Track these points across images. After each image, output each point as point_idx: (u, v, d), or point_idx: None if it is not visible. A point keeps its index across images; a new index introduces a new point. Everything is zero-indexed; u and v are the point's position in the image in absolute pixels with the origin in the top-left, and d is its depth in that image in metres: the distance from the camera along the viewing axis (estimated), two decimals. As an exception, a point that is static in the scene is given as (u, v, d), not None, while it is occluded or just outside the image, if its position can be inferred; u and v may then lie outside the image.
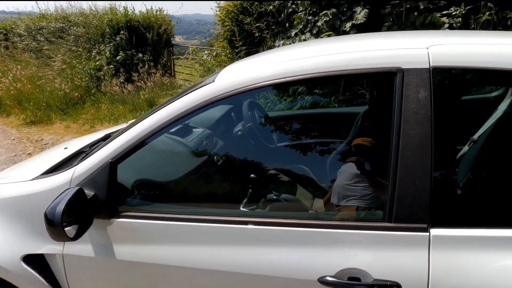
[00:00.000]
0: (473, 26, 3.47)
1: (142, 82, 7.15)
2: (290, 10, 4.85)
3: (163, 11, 8.47)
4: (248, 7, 5.36)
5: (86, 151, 1.83)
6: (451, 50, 1.12)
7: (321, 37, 4.11)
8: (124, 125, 2.61)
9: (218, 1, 6.05)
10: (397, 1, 3.65)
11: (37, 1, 10.33)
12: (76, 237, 1.28)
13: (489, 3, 3.35)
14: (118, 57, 7.56)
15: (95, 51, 7.87)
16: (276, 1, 5.02)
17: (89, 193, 1.35)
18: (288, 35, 4.79)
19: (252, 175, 1.68)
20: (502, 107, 1.52)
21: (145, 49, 7.90)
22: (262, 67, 1.32)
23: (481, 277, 1.00)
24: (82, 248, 1.41)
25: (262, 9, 5.22)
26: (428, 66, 1.08)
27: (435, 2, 3.59)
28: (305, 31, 4.41)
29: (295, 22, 4.58)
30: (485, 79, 1.21)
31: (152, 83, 7.17)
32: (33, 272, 1.47)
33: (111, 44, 7.65)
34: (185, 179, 1.80)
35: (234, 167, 1.95)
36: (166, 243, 1.33)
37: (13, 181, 1.64)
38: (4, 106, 7.37)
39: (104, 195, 1.35)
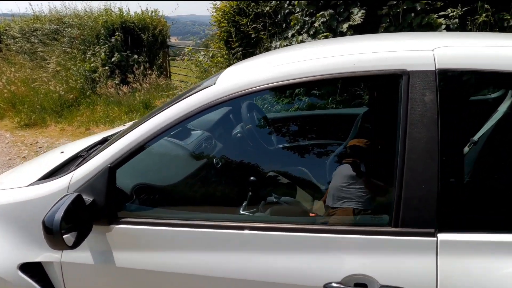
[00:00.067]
0: (469, 27, 3.48)
1: (137, 83, 7.11)
2: (287, 11, 4.84)
3: (158, 12, 8.43)
4: (245, 8, 5.34)
5: (83, 155, 1.80)
6: (457, 52, 1.10)
7: (318, 38, 4.10)
8: (121, 127, 2.57)
9: (214, 2, 6.03)
10: (394, 2, 3.65)
11: (31, 1, 10.25)
12: (75, 245, 1.25)
13: (485, 5, 3.35)
14: (113, 59, 7.51)
15: (90, 52, 7.81)
16: (273, 2, 5.01)
17: (87, 199, 1.32)
18: (284, 36, 4.77)
19: (251, 178, 1.66)
20: (502, 108, 1.51)
21: (140, 50, 7.85)
22: (266, 69, 1.30)
23: (491, 283, 0.98)
24: (81, 255, 1.38)
25: (258, 10, 5.20)
26: (434, 69, 1.07)
27: (432, 3, 3.60)
28: (302, 32, 4.40)
29: (292, 23, 4.57)
30: (492, 81, 1.20)
31: (147, 84, 7.13)
32: (30, 281, 1.44)
33: (106, 45, 7.60)
34: (185, 182, 1.77)
35: (234, 170, 1.93)
36: (166, 250, 1.31)
37: (9, 187, 1.60)
38: (-2, 109, 7.30)
39: (103, 200, 1.32)
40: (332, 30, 4.01)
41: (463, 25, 3.51)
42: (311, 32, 4.21)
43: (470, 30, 3.47)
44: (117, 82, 7.29)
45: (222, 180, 1.95)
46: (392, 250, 1.07)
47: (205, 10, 6.41)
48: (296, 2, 4.51)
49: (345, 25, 3.85)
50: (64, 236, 1.21)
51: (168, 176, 1.82)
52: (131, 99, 6.82)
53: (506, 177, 1.17)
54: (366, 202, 1.54)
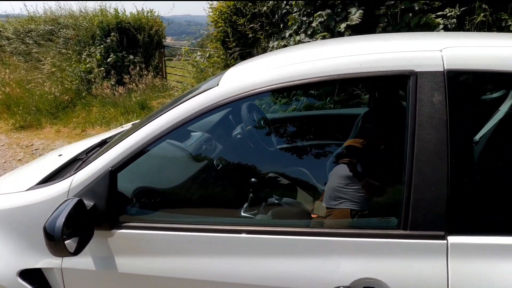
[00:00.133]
0: (467, 27, 3.48)
1: (133, 84, 7.05)
2: (284, 11, 4.82)
3: (154, 12, 8.38)
4: (242, 8, 5.32)
5: (82, 158, 1.77)
6: (466, 52, 1.09)
7: (315, 38, 4.09)
8: (119, 129, 2.54)
9: (210, 2, 6.00)
10: (392, 2, 3.64)
11: (25, 2, 10.15)
12: (77, 251, 1.22)
13: (483, 5, 3.36)
14: (109, 59, 7.45)
15: (85, 53, 7.74)
16: (270, 2, 4.99)
17: (88, 203, 1.29)
18: (282, 36, 4.75)
19: (252, 179, 1.64)
20: (504, 108, 1.50)
21: (136, 51, 7.79)
22: (271, 70, 1.28)
23: (502, 286, 0.97)
24: (82, 261, 1.35)
25: (255, 10, 5.18)
26: (442, 69, 1.06)
27: (430, 3, 3.60)
28: (299, 32, 4.38)
29: (289, 23, 4.55)
30: (501, 82, 1.19)
31: (143, 85, 7.07)
32: (30, 288, 1.41)
33: (102, 46, 7.53)
34: (186, 185, 1.75)
35: (234, 171, 1.91)
36: (170, 254, 1.28)
37: (7, 191, 1.57)
38: (-8, 111, 7.21)
39: (104, 205, 1.29)
40: (330, 30, 3.99)
41: (461, 25, 3.51)
42: (309, 32, 4.19)
43: (468, 30, 3.48)
44: (112, 83, 7.23)
45: (223, 182, 1.93)
46: (401, 253, 1.05)
47: (200, 10, 6.40)
48: (293, 2, 4.50)
49: (343, 25, 3.84)
50: (65, 242, 1.18)
51: (169, 179, 1.80)
52: (127, 100, 6.76)
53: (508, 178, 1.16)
54: (362, 202, 1.53)
